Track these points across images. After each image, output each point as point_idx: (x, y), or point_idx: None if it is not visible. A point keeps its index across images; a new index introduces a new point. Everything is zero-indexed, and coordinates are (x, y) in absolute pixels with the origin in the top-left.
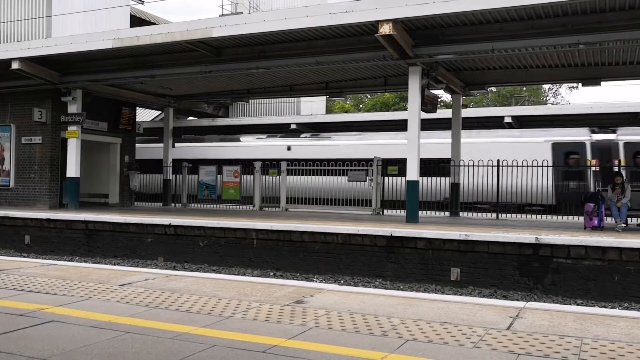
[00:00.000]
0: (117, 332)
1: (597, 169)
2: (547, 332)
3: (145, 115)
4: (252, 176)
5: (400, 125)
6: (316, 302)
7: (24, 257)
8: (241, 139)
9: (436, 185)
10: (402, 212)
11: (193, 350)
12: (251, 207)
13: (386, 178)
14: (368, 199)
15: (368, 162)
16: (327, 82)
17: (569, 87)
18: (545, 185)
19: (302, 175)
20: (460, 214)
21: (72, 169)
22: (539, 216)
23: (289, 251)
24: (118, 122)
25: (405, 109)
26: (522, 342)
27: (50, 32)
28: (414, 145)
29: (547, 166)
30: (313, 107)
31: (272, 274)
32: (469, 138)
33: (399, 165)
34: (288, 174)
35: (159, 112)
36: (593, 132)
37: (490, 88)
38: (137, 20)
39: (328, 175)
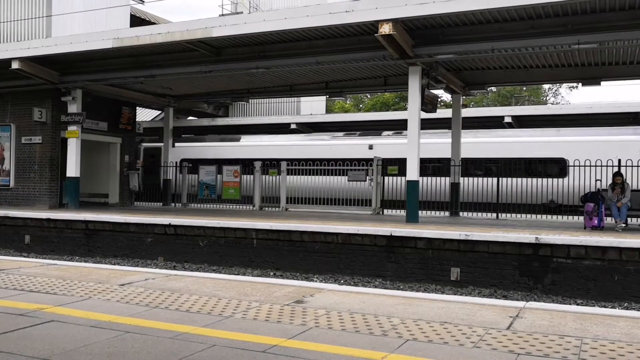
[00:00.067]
0: (117, 332)
1: None
2: (547, 332)
3: (145, 115)
4: (252, 176)
5: (400, 125)
6: (316, 302)
7: (24, 256)
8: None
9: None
10: (402, 212)
11: (193, 350)
12: (251, 207)
13: (386, 178)
14: (368, 198)
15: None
16: (327, 82)
17: (569, 87)
18: None
19: (302, 175)
20: (460, 213)
21: (72, 169)
22: (539, 216)
23: (289, 251)
24: (118, 121)
25: (405, 109)
26: (522, 342)
27: (50, 32)
28: (414, 145)
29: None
30: (313, 107)
31: (272, 273)
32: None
33: (399, 165)
34: (288, 174)
35: (159, 111)
36: None
37: (490, 88)
38: (137, 20)
39: (328, 175)
